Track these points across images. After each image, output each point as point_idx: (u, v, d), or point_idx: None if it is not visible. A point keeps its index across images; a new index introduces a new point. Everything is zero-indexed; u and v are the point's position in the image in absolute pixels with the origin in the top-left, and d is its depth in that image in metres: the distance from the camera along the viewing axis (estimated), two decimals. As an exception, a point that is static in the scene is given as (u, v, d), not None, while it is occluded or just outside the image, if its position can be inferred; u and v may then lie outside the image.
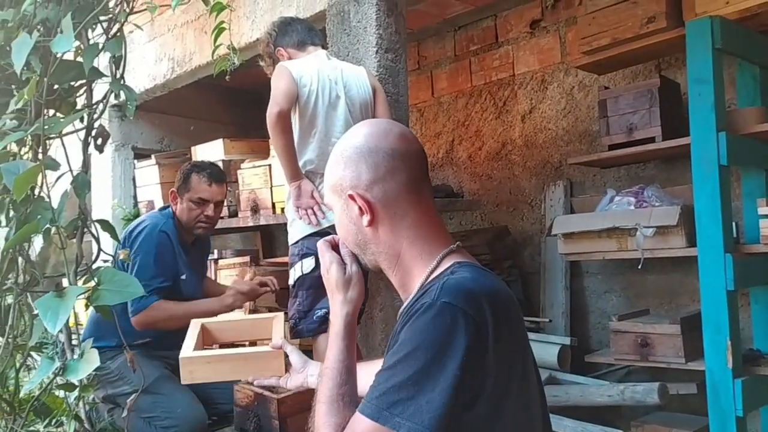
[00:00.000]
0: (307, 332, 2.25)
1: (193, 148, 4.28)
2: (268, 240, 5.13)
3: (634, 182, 3.23)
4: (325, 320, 2.23)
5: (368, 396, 0.98)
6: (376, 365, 1.36)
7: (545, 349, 3.03)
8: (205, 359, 2.01)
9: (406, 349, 0.95)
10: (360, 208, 1.10)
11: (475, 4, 3.86)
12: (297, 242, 2.28)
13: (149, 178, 4.56)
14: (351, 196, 1.10)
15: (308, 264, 2.21)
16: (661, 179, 3.23)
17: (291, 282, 2.28)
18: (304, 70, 2.33)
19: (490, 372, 0.97)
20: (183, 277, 2.86)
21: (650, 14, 2.80)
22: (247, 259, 3.85)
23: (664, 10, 2.77)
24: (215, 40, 2.00)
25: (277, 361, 1.89)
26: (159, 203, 4.46)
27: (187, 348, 2.08)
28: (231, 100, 5.18)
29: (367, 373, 1.28)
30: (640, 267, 2.84)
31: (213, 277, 4.02)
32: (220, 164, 4.01)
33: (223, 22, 1.94)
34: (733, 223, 2.70)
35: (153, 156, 4.55)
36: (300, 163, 2.28)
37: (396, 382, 0.94)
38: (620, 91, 3.02)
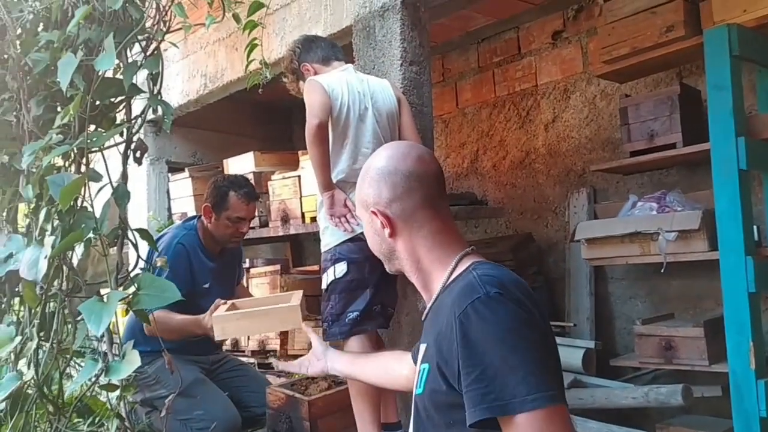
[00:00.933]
0: (340, 335, 2.33)
1: (225, 161, 4.41)
2: (298, 250, 5.24)
3: (657, 188, 3.26)
4: (356, 323, 2.31)
5: (504, 399, 1.02)
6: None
7: (570, 353, 3.08)
8: (234, 317, 2.38)
9: (498, 343, 1.03)
10: (381, 223, 1.26)
11: (498, 17, 3.94)
12: (330, 249, 2.37)
13: (183, 191, 4.71)
14: (373, 212, 1.26)
15: (341, 269, 2.30)
16: (684, 185, 3.26)
17: (324, 286, 2.37)
18: (334, 84, 2.42)
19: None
20: (206, 285, 2.94)
21: (669, 23, 2.86)
22: (277, 267, 3.95)
23: (682, 19, 2.83)
24: (248, 55, 2.11)
25: (294, 314, 2.20)
26: (192, 215, 4.60)
27: (220, 311, 2.43)
28: (260, 114, 5.33)
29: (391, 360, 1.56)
30: (663, 271, 2.88)
31: (245, 285, 4.12)
32: (251, 176, 4.14)
33: (255, 38, 2.05)
34: (755, 227, 2.74)
35: (186, 169, 4.70)
36: (333, 174, 2.37)
37: (524, 371, 1.01)
38: (641, 98, 3.07)
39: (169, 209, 4.85)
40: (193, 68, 4.38)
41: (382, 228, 1.27)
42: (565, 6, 3.82)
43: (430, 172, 1.27)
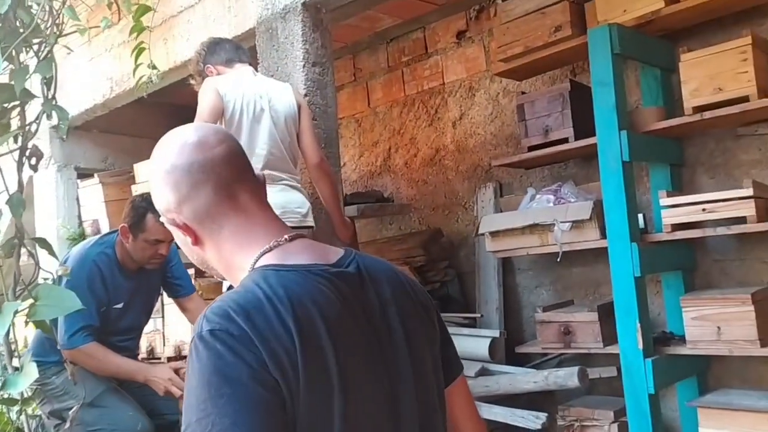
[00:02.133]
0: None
1: (135, 166, 4.34)
2: (216, 253, 5.20)
3: (557, 181, 3.40)
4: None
5: None
6: None
7: (476, 343, 3.19)
8: None
9: (200, 396, 0.87)
10: (181, 231, 1.08)
11: (403, 17, 4.03)
12: None
13: (93, 198, 4.60)
14: (168, 221, 1.09)
15: None
16: (581, 177, 3.42)
17: (225, 290, 2.38)
18: (228, 86, 2.44)
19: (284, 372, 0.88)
20: (119, 306, 2.86)
21: (557, 23, 3.00)
22: (191, 271, 3.91)
23: (569, 20, 2.97)
24: (136, 59, 2.09)
25: None
26: (104, 222, 4.50)
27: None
28: (174, 117, 5.19)
29: None
30: (558, 260, 3.03)
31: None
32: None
33: (143, 42, 2.04)
34: (642, 215, 2.91)
35: (96, 175, 4.59)
36: None
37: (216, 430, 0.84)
38: (536, 95, 3.21)
39: (80, 217, 4.73)
40: (99, 71, 4.29)
41: (184, 237, 1.07)
42: (467, 6, 3.94)
43: (217, 157, 1.06)
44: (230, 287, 2.31)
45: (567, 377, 2.79)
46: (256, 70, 2.87)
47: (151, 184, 1.10)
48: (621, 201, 2.66)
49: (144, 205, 2.79)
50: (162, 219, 1.11)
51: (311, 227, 2.60)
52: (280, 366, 0.87)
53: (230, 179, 1.06)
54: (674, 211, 2.69)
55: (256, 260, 1.02)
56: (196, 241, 1.07)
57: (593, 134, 2.89)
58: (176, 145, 1.07)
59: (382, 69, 4.49)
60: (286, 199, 2.49)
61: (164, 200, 1.07)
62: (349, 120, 4.68)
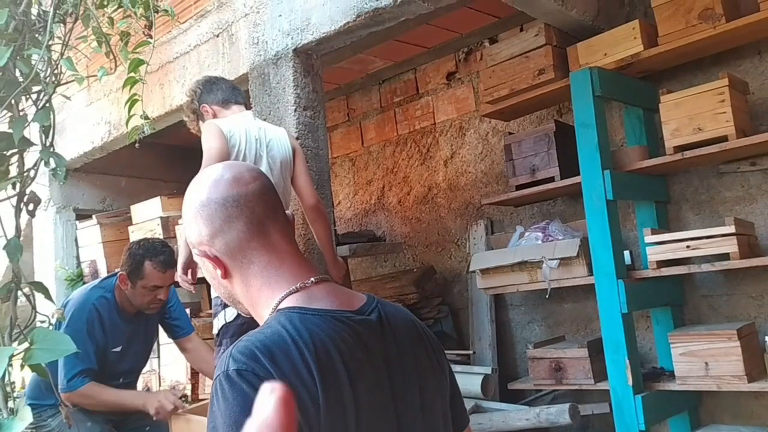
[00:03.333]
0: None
1: (132, 207, 4.40)
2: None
3: (546, 218, 3.47)
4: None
5: None
6: None
7: (469, 380, 3.20)
8: None
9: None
10: (212, 264, 1.08)
11: (394, 60, 4.13)
12: None
13: (91, 238, 4.66)
14: (199, 253, 1.10)
15: (231, 313, 2.35)
16: (568, 214, 3.48)
17: (215, 331, 2.41)
18: (233, 129, 2.47)
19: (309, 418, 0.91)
20: (117, 349, 2.86)
21: (540, 67, 3.09)
22: (187, 311, 3.95)
23: (552, 63, 3.06)
24: (129, 110, 2.15)
25: None
26: (101, 263, 4.55)
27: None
28: (171, 157, 5.32)
29: None
30: (547, 297, 3.07)
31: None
32: (158, 221, 4.15)
33: (135, 94, 2.11)
34: (628, 252, 2.96)
35: (94, 216, 4.65)
36: None
37: None
38: (522, 136, 3.29)
39: (78, 257, 4.78)
40: (97, 115, 4.38)
41: (214, 269, 1.08)
42: (456, 49, 4.04)
43: (251, 193, 1.08)
44: (225, 325, 2.36)
45: (558, 414, 2.81)
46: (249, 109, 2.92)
47: (185, 216, 1.12)
48: (606, 239, 2.71)
49: (141, 253, 2.80)
50: (193, 251, 1.11)
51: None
52: (302, 409, 0.89)
53: (263, 215, 1.08)
54: (659, 248, 2.74)
55: (281, 300, 1.04)
56: (226, 274, 1.08)
57: (577, 173, 2.96)
58: (211, 180, 1.09)
59: (374, 109, 4.59)
60: None
61: (197, 232, 1.09)
62: (343, 159, 4.77)
